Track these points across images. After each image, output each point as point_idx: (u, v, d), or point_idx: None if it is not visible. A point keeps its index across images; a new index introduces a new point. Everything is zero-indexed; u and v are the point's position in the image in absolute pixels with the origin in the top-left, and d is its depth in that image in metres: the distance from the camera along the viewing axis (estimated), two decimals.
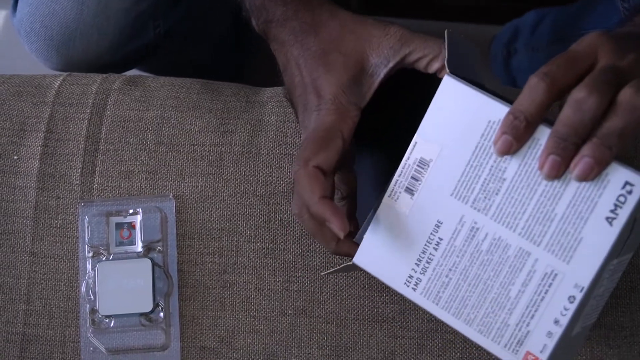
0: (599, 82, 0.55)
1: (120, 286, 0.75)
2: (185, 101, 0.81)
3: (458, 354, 0.73)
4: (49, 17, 0.90)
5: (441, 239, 0.61)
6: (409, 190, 0.63)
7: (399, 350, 0.74)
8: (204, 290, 0.76)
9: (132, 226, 0.77)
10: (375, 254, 0.64)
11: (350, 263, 0.65)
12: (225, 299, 0.76)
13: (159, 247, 0.76)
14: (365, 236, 0.64)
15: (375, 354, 0.74)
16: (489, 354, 0.72)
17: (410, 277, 0.62)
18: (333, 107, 0.65)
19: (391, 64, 0.66)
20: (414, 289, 0.62)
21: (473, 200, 0.61)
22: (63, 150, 0.80)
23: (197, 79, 0.84)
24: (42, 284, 0.77)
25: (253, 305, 0.76)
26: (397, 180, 0.63)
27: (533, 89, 0.56)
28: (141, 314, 0.75)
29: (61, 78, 0.83)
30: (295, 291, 0.76)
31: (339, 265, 0.67)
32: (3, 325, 0.76)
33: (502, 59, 1.26)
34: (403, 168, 0.63)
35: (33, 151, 0.80)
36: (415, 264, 0.62)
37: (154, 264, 0.75)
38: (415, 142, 0.63)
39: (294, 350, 0.75)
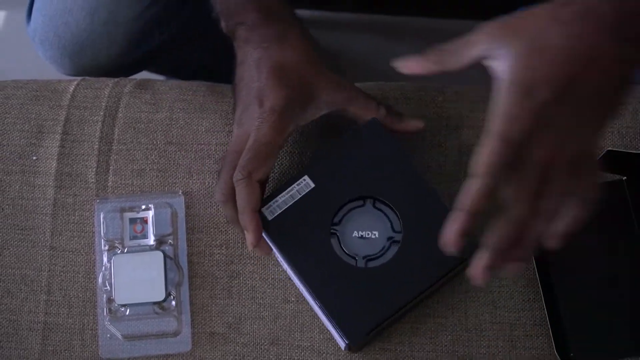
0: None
1: (134, 277, 0.78)
2: (192, 103, 0.85)
3: (449, 336, 0.78)
4: (62, 28, 0.94)
5: None
6: None
7: (394, 333, 0.78)
8: (213, 280, 0.80)
9: (144, 221, 0.81)
10: None
11: None
12: (232, 287, 0.80)
13: (170, 240, 0.80)
14: None
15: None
16: (478, 335, 0.77)
17: None
18: (274, 119, 0.72)
19: (335, 107, 0.75)
20: None
21: None
22: (79, 150, 0.84)
23: (203, 82, 0.88)
24: (61, 276, 0.81)
25: (258, 294, 0.80)
26: None
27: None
28: (154, 303, 0.79)
29: (75, 83, 0.87)
30: None
31: None
32: (26, 314, 0.80)
33: None
34: None
35: (51, 152, 0.84)
36: None
37: (165, 256, 0.79)
38: None
39: (297, 334, 0.79)
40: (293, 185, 0.74)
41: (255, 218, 0.72)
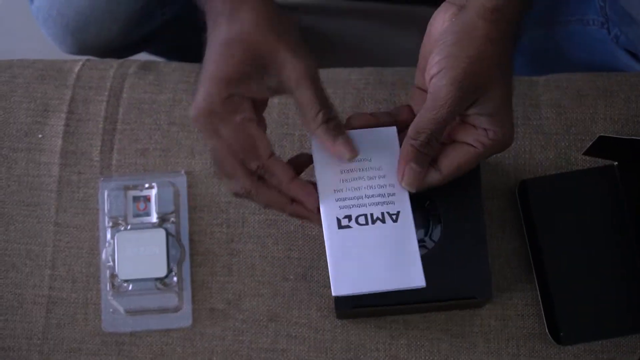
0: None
1: (137, 253, 0.80)
2: (195, 85, 0.86)
3: (443, 315, 0.79)
4: (65, 5, 0.95)
5: None
6: None
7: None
8: (213, 257, 0.82)
9: (147, 199, 0.82)
10: None
11: None
12: (232, 265, 0.82)
13: (172, 218, 0.82)
14: None
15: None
16: (471, 314, 0.78)
17: None
18: (206, 86, 0.66)
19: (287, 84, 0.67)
20: None
21: None
22: (84, 129, 0.85)
23: None
24: (65, 251, 0.82)
25: (257, 271, 0.81)
26: None
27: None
28: (156, 279, 0.80)
29: (81, 63, 0.88)
30: (296, 258, 0.81)
31: None
32: (30, 288, 0.82)
33: None
34: None
35: (56, 130, 0.85)
36: None
37: (167, 234, 0.80)
38: None
39: (295, 311, 0.81)
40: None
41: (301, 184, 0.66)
